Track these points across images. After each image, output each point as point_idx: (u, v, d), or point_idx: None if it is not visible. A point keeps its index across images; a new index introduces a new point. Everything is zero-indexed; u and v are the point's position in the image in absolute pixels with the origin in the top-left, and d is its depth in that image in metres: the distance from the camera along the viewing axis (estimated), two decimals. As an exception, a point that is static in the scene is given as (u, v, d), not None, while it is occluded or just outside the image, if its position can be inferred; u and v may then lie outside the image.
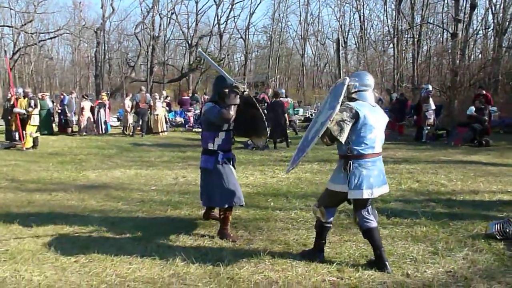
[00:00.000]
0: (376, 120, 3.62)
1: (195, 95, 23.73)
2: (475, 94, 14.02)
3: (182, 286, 3.37)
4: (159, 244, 4.30)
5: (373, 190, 3.55)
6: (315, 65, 46.54)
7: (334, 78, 37.25)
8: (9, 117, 12.17)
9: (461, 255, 3.90)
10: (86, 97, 17.10)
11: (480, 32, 26.79)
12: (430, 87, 14.11)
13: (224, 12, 37.71)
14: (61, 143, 13.37)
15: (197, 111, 19.50)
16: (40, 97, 15.93)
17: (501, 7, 24.08)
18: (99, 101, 17.07)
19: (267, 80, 37.32)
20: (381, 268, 3.55)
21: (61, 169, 8.74)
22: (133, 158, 10.53)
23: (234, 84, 4.28)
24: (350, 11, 38.81)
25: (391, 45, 29.11)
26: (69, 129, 16.28)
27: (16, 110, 11.44)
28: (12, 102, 11.78)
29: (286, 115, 12.88)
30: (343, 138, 3.46)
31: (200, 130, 16.93)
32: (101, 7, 33.80)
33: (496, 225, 4.33)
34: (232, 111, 4.20)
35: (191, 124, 18.75)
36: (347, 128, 3.46)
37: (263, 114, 4.73)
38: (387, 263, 3.58)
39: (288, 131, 13.30)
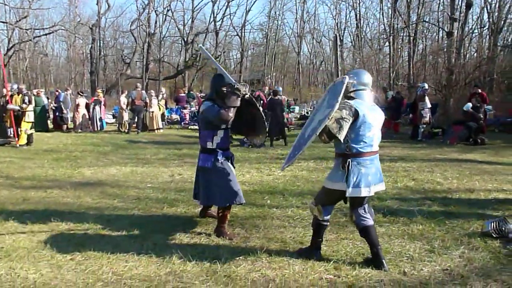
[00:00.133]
0: (375, 119, 3.62)
1: (191, 92, 23.70)
2: (471, 93, 14.06)
3: (179, 284, 3.36)
4: (155, 241, 4.28)
5: (371, 188, 3.56)
6: (311, 63, 46.57)
7: (330, 76, 37.41)
8: (3, 114, 12.07)
9: (457, 253, 3.92)
10: (81, 94, 17.03)
11: (476, 31, 26.91)
12: (426, 86, 14.13)
13: (220, 9, 37.60)
14: (56, 140, 13.29)
15: (193, 109, 19.48)
16: (36, 93, 15.84)
17: (497, 6, 24.16)
18: (95, 98, 16.99)
19: (263, 78, 37.27)
20: (378, 266, 3.56)
21: (56, 166, 8.69)
22: (128, 155, 10.49)
23: (235, 86, 4.25)
24: (346, 9, 39.00)
25: (387, 44, 29.15)
26: (64, 126, 16.19)
27: (10, 106, 11.35)
28: (7, 99, 11.68)
29: (284, 113, 12.91)
30: (341, 136, 3.46)
31: (196, 127, 17.03)
32: (97, 4, 33.54)
33: (492, 223, 4.36)
34: (232, 113, 4.17)
35: (187, 122, 18.72)
36: (346, 126, 3.46)
37: (263, 114, 4.71)
38: (384, 261, 3.58)
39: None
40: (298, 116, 22.58)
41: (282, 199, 5.98)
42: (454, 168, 8.15)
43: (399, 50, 28.32)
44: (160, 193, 6.42)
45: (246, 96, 4.32)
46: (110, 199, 6.07)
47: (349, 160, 3.54)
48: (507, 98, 18.11)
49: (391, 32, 27.85)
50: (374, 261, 3.61)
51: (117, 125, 16.99)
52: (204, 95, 20.55)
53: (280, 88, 14.15)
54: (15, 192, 6.46)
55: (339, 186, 3.61)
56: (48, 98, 17.74)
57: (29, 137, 11.74)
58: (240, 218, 5.03)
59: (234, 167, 4.58)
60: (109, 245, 4.13)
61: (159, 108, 17.55)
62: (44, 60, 41.02)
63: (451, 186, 6.71)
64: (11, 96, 11.60)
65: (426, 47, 28.04)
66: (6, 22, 31.81)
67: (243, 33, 39.22)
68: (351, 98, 3.65)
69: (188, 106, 20.05)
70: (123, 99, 16.44)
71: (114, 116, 19.77)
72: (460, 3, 22.88)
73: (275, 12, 39.76)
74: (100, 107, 16.62)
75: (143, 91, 17.24)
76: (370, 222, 3.69)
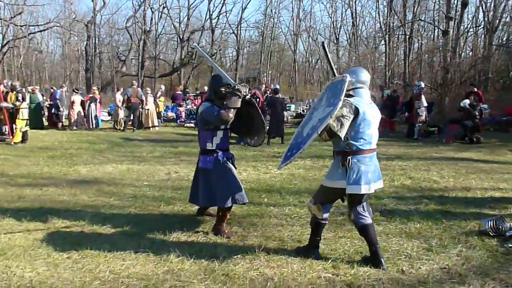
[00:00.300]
0: (373, 116, 3.64)
1: (186, 90, 23.63)
2: (466, 91, 14.11)
3: (176, 282, 3.34)
4: (152, 240, 4.26)
5: (370, 185, 3.57)
6: (306, 61, 46.51)
7: (326, 75, 37.38)
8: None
9: (455, 251, 3.93)
10: (77, 91, 16.95)
11: (471, 30, 26.98)
12: (423, 84, 14.18)
13: (216, 7, 37.46)
14: (51, 138, 13.20)
15: (189, 106, 19.42)
16: (31, 90, 15.73)
17: (492, 5, 24.25)
18: (90, 95, 16.90)
19: (258, 76, 37.23)
20: (376, 265, 3.56)
21: (52, 164, 8.64)
22: (124, 153, 10.45)
23: (236, 87, 4.22)
24: (342, 7, 38.93)
25: (383, 42, 29.20)
26: (60, 124, 16.08)
27: (3, 105, 11.25)
28: None
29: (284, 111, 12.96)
30: (342, 134, 3.46)
31: (191, 125, 17.00)
32: (92, 0, 33.41)
33: (489, 222, 4.37)
34: (232, 114, 4.16)
35: (182, 119, 18.66)
36: (346, 124, 3.46)
37: (262, 117, 4.70)
38: (382, 259, 3.58)
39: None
40: (294, 114, 22.56)
41: (279, 198, 5.98)
42: (451, 167, 8.18)
43: (395, 48, 28.38)
44: (157, 191, 6.39)
45: (247, 97, 4.30)
46: (107, 197, 6.04)
47: (349, 157, 3.54)
48: (502, 97, 18.18)
49: (387, 30, 27.92)
50: (373, 259, 3.61)
51: (113, 122, 16.91)
52: (199, 92, 20.52)
53: (277, 86, 14.13)
54: (10, 190, 6.41)
55: (340, 184, 3.60)
56: (43, 95, 17.60)
57: (24, 135, 11.65)
58: (237, 217, 5.01)
59: (235, 168, 4.55)
60: (106, 244, 4.10)
61: (158, 105, 17.53)
62: (39, 57, 40.68)
63: (448, 185, 6.73)
64: (7, 93, 11.50)
65: (422, 45, 28.07)
66: (1, 19, 31.53)
67: (239, 31, 39.14)
68: (350, 96, 3.64)
69: (184, 103, 19.98)
70: (119, 97, 16.36)
71: (109, 114, 19.66)
72: (455, 2, 22.97)
73: (271, 10, 39.70)
74: (96, 105, 16.55)
75: (139, 89, 17.14)
76: (368, 220, 3.69)
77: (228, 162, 4.42)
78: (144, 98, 16.02)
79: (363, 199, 3.69)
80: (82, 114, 16.17)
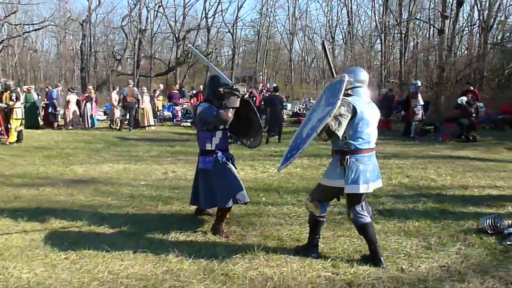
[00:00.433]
0: (372, 115, 3.63)
1: (182, 89, 23.55)
2: (462, 90, 14.16)
3: (176, 283, 3.32)
4: (151, 240, 4.23)
5: (369, 184, 3.57)
6: (302, 60, 46.48)
7: (322, 73, 37.43)
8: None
9: (454, 249, 3.93)
10: (72, 91, 16.83)
11: (466, 28, 27.09)
12: (419, 83, 14.21)
13: (212, 6, 37.37)
14: (47, 137, 13.13)
15: (185, 106, 19.37)
16: (26, 90, 15.63)
17: (487, 4, 24.33)
18: (86, 94, 16.81)
19: (254, 75, 37.13)
20: (376, 263, 3.55)
21: (48, 164, 8.58)
22: (121, 152, 10.40)
23: (234, 87, 4.21)
24: (338, 6, 38.81)
25: (379, 41, 29.25)
26: (56, 123, 15.99)
27: (-4, 104, 11.18)
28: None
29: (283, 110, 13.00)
30: (340, 132, 3.46)
31: (188, 124, 16.95)
32: (87, -1, 33.25)
33: (488, 220, 4.38)
34: (231, 113, 4.15)
35: (179, 119, 18.61)
36: (344, 123, 3.45)
37: (260, 120, 4.70)
38: (382, 258, 3.58)
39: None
40: (291, 113, 22.54)
41: (277, 197, 5.97)
42: (447, 165, 8.20)
43: (391, 47, 28.41)
44: (154, 190, 6.36)
45: (246, 96, 4.30)
46: (104, 197, 6.01)
47: (347, 156, 3.53)
48: (497, 96, 18.28)
49: (383, 29, 27.95)
50: (372, 258, 3.61)
51: (109, 122, 16.84)
52: (194, 92, 20.46)
53: (274, 84, 14.14)
54: (6, 190, 6.36)
55: (338, 183, 3.59)
56: (38, 95, 17.49)
57: (19, 134, 11.57)
58: (236, 216, 4.99)
59: (236, 168, 4.54)
60: (104, 244, 4.06)
61: (155, 104, 17.49)
62: (34, 56, 40.48)
63: (445, 183, 6.75)
64: (1, 93, 11.42)
65: (418, 44, 28.16)
66: (-5, 18, 31.36)
67: (234, 30, 39.05)
68: (348, 95, 3.63)
69: (181, 103, 19.93)
70: (115, 96, 16.27)
71: (105, 113, 19.57)
72: (451, 0, 23.01)
73: (267, 9, 39.60)
74: (91, 104, 16.45)
75: (135, 88, 17.07)
76: (367, 219, 3.69)
77: (228, 162, 4.40)
78: (140, 97, 15.95)
79: (361, 198, 3.69)
80: (78, 113, 16.09)
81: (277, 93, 12.76)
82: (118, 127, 15.76)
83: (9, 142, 11.24)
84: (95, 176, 7.48)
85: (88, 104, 16.23)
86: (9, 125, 11.36)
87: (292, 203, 5.59)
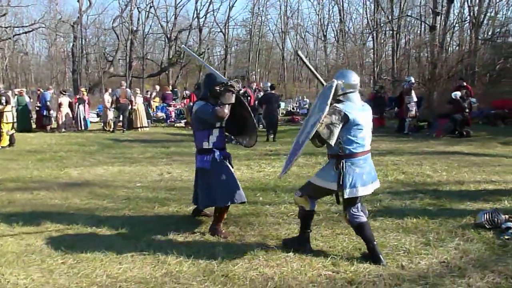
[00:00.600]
0: (365, 119, 3.65)
1: (175, 89, 23.48)
2: (455, 86, 14.22)
3: (175, 285, 3.29)
4: (149, 242, 4.19)
5: (367, 187, 3.61)
6: (295, 58, 46.51)
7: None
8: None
9: (452, 245, 3.94)
10: (64, 93, 16.69)
11: (457, 25, 27.21)
12: (413, 79, 14.24)
13: (203, 6, 37.27)
14: (40, 140, 13.00)
15: (178, 106, 19.30)
16: (18, 93, 15.47)
17: (477, 0, 24.46)
18: (78, 97, 16.68)
19: (247, 74, 37.10)
20: (375, 261, 3.55)
21: (42, 167, 8.50)
22: (115, 154, 10.33)
23: (229, 83, 4.20)
24: (329, 4, 39.05)
25: (370, 38, 29.34)
26: (48, 126, 15.85)
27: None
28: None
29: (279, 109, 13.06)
30: (332, 141, 3.49)
31: (181, 125, 16.88)
32: (78, 1, 33.03)
33: (485, 215, 4.39)
34: (227, 110, 4.13)
35: (172, 119, 18.54)
36: (336, 131, 3.48)
37: (254, 120, 4.70)
38: (381, 256, 3.58)
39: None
40: (284, 112, 22.55)
41: (274, 196, 5.95)
42: (443, 161, 8.22)
43: (383, 44, 28.52)
44: (150, 192, 6.32)
45: (241, 91, 4.29)
46: (100, 199, 5.95)
47: (343, 161, 3.55)
48: (489, 91, 18.38)
49: (374, 26, 28.04)
50: (371, 256, 3.61)
51: (102, 124, 16.72)
52: (188, 93, 20.40)
53: (268, 83, 14.12)
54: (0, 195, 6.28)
55: (330, 185, 3.62)
56: (30, 98, 17.32)
57: (11, 138, 11.44)
58: (233, 216, 4.96)
59: (232, 167, 4.52)
60: (102, 247, 4.01)
61: (151, 106, 17.44)
62: (24, 59, 40.06)
63: (441, 179, 6.76)
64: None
65: (409, 41, 28.29)
66: (-16, 21, 31.05)
67: (226, 30, 39.03)
68: (340, 101, 3.63)
69: (174, 103, 19.86)
70: (107, 98, 16.14)
71: (98, 115, 19.43)
72: (442, -3, 23.10)
73: (259, 8, 39.62)
74: (84, 106, 16.33)
75: (128, 89, 16.97)
76: (363, 219, 3.70)
77: (226, 162, 4.38)
78: (133, 99, 15.86)
79: (357, 200, 3.70)
80: (70, 116, 15.97)
81: (273, 91, 12.76)
82: (111, 129, 15.65)
83: (1, 146, 11.12)
84: (90, 179, 7.42)
85: (81, 106, 16.11)
86: (0, 129, 11.23)
87: (290, 202, 5.55)
